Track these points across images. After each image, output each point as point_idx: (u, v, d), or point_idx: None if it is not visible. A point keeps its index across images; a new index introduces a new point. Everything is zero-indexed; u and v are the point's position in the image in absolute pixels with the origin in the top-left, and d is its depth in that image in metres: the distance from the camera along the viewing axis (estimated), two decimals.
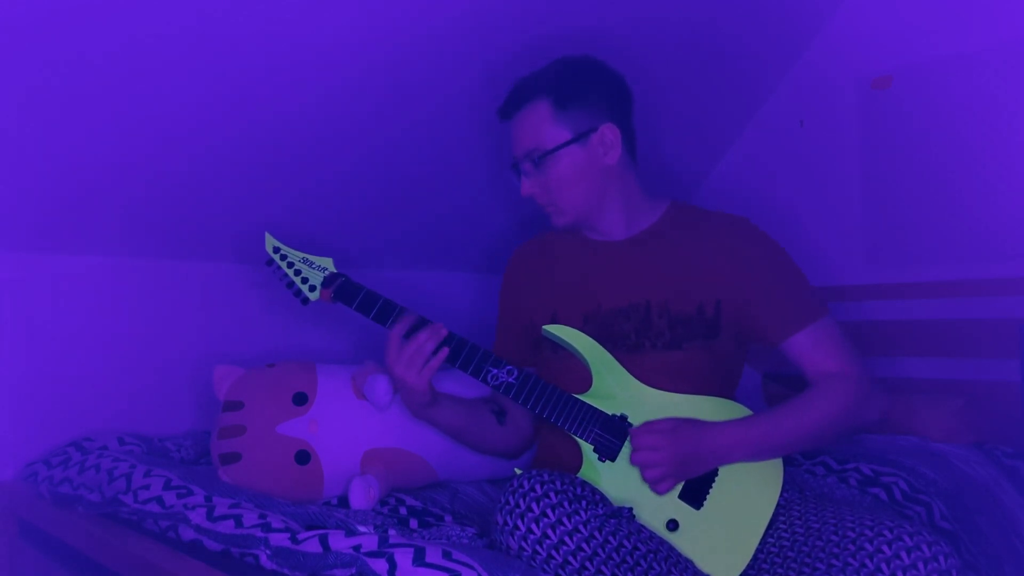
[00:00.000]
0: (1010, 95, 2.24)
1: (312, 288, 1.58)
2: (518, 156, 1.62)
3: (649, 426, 1.46)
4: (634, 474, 1.46)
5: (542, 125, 1.58)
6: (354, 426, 1.81)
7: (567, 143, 1.57)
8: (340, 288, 1.57)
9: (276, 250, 1.61)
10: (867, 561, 1.28)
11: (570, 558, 1.25)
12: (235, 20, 1.75)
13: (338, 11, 1.83)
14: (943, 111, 2.37)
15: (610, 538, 1.28)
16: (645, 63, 2.26)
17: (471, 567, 1.18)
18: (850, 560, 1.30)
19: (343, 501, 1.73)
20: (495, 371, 1.51)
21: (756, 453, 1.49)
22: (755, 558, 1.44)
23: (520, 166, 1.62)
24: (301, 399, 1.80)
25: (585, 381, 1.54)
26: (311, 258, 1.60)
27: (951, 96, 2.35)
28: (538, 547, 1.26)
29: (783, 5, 2.46)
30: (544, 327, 1.57)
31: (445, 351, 1.50)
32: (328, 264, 1.60)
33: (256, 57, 1.84)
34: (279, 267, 1.60)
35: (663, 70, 2.38)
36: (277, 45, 1.84)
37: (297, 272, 1.59)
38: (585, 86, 1.59)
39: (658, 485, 1.45)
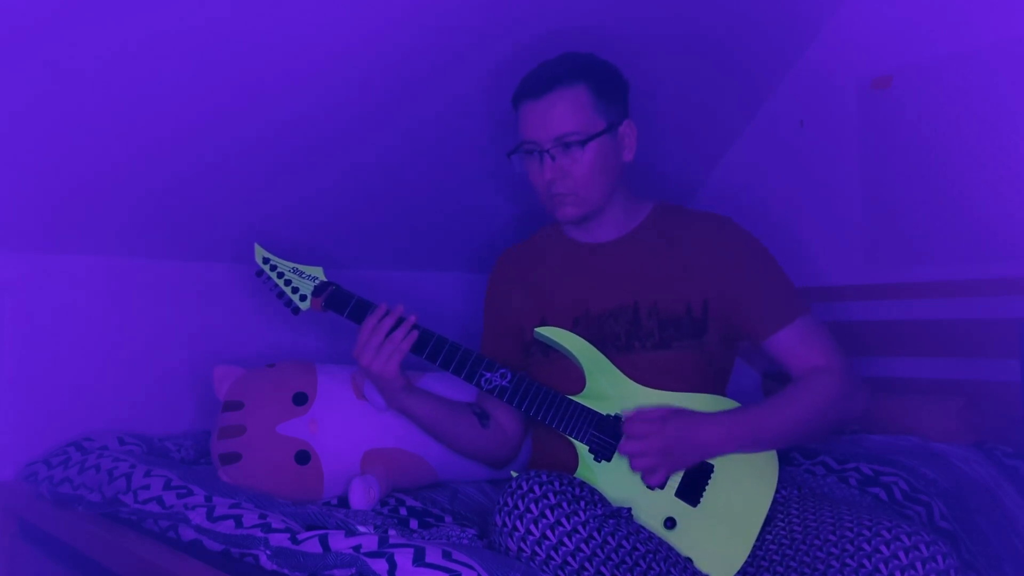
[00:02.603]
0: (1010, 94, 2.24)
1: (303, 298, 1.58)
2: (543, 139, 1.54)
3: (641, 413, 1.46)
4: (631, 473, 1.46)
5: (582, 110, 1.53)
6: (354, 426, 1.81)
7: (602, 132, 1.55)
8: (331, 297, 1.56)
9: (265, 261, 1.60)
10: (865, 561, 1.28)
11: (569, 558, 1.25)
12: (237, 23, 1.75)
13: (338, 17, 1.83)
14: (943, 111, 2.36)
15: (609, 538, 1.28)
16: (645, 63, 2.26)
17: (471, 567, 1.18)
18: (848, 560, 1.30)
19: (343, 501, 1.73)
20: (488, 375, 1.51)
21: (747, 444, 1.49)
22: (753, 556, 1.44)
23: (549, 149, 1.54)
24: (301, 399, 1.80)
25: (576, 383, 1.53)
26: (301, 268, 1.59)
27: (951, 96, 2.35)
28: (537, 548, 1.26)
29: (783, 5, 2.46)
30: (536, 329, 1.57)
31: (414, 335, 1.50)
32: (318, 273, 1.59)
33: (257, 60, 1.84)
34: (269, 278, 1.60)
35: (663, 70, 2.38)
36: (278, 48, 1.84)
37: (287, 283, 1.59)
38: (615, 79, 1.59)
39: (649, 476, 1.45)
